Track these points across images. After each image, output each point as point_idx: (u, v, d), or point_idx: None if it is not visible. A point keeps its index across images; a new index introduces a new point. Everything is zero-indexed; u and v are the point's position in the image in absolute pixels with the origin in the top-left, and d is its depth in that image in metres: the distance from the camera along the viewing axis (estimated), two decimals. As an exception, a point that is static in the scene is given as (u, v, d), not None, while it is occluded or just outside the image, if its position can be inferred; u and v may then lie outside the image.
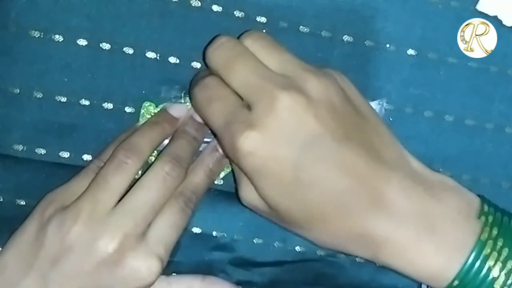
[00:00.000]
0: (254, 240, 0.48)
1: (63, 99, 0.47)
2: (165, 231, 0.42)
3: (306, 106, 0.39)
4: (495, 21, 0.47)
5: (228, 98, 0.41)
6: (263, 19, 0.47)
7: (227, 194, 0.47)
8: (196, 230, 0.48)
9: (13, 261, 0.41)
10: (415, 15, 0.47)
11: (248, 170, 0.40)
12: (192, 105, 0.44)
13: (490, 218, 0.40)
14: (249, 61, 0.41)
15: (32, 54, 0.46)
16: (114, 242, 0.40)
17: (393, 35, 0.47)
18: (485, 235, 0.39)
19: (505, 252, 0.39)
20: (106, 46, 0.46)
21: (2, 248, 0.42)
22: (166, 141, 0.45)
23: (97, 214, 0.41)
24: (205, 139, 0.46)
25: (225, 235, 0.48)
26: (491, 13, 0.46)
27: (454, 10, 0.47)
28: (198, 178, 0.44)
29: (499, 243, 0.39)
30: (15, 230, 0.43)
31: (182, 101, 0.46)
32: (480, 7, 0.46)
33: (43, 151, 0.47)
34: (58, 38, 0.46)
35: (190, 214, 0.44)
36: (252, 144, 0.39)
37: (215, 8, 0.47)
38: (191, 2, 0.47)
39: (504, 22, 0.46)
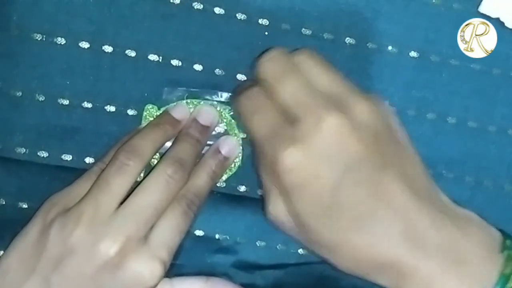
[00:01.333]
0: (257, 243, 0.48)
1: (66, 102, 0.47)
2: (167, 234, 0.42)
3: (351, 129, 0.39)
4: (497, 23, 0.47)
5: (273, 112, 0.42)
6: (265, 22, 0.47)
7: (230, 197, 0.47)
8: (199, 233, 0.47)
9: (16, 264, 0.41)
10: (417, 18, 0.47)
11: (287, 186, 0.40)
12: (234, 113, 0.45)
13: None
14: (300, 78, 0.41)
15: (34, 57, 0.46)
16: (116, 245, 0.40)
17: (395, 37, 0.47)
18: (508, 270, 0.39)
19: None
20: (108, 49, 0.46)
21: (4, 251, 0.42)
22: (168, 144, 0.45)
23: (99, 217, 0.41)
24: (208, 142, 0.46)
25: (228, 238, 0.48)
26: (493, 15, 0.46)
27: (456, 12, 0.47)
28: (201, 180, 0.44)
29: None
30: (18, 233, 0.42)
31: (185, 103, 0.46)
32: (482, 9, 0.46)
33: (45, 154, 0.47)
34: (61, 41, 0.46)
35: (193, 217, 0.43)
36: (295, 160, 0.39)
37: (217, 10, 0.47)
38: (193, 4, 0.47)
39: (506, 24, 0.46)
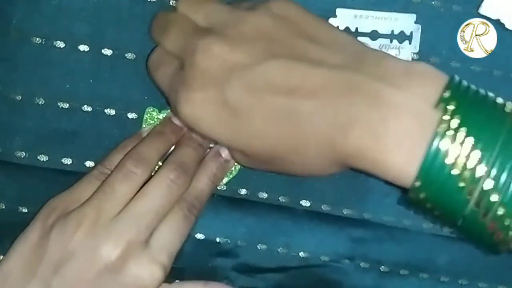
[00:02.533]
0: (257, 246, 0.48)
1: (65, 106, 0.46)
2: (168, 238, 0.42)
3: (221, 44, 0.39)
4: (497, 24, 0.47)
5: (170, 62, 0.42)
6: (265, 24, 0.47)
7: (231, 200, 0.47)
8: (200, 236, 0.47)
9: (16, 268, 0.41)
10: (417, 19, 0.47)
11: (196, 126, 0.41)
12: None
13: (452, 105, 0.35)
14: (177, 24, 0.43)
15: (34, 60, 0.46)
16: (117, 249, 0.40)
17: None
18: (443, 126, 0.34)
19: (463, 131, 0.34)
20: (107, 52, 0.46)
21: (4, 255, 0.42)
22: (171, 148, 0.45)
23: (100, 221, 0.41)
24: (210, 145, 0.46)
25: (229, 241, 0.47)
26: (493, 16, 0.46)
27: (456, 14, 0.47)
28: (201, 183, 0.44)
29: (461, 131, 0.34)
30: (17, 238, 0.42)
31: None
32: (482, 10, 0.46)
33: (45, 158, 0.47)
34: (60, 44, 0.46)
35: (194, 220, 0.43)
36: (188, 99, 0.40)
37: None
38: (193, 7, 0.46)
39: (507, 26, 0.46)
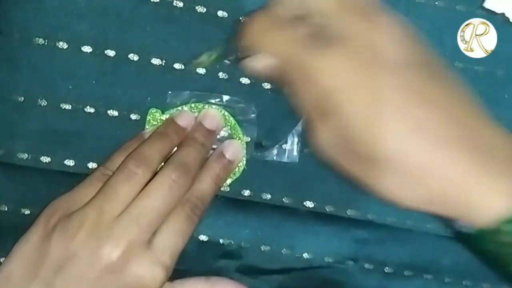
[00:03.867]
0: (261, 248, 0.47)
1: (68, 107, 0.46)
2: (171, 239, 0.42)
3: (401, 30, 0.38)
4: (498, 21, 0.47)
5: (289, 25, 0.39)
6: (268, 25, 0.47)
7: (234, 201, 0.47)
8: (203, 237, 0.47)
9: (18, 269, 0.41)
10: (421, 19, 0.47)
11: (334, 95, 0.36)
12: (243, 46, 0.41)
13: None
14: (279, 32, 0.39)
15: (36, 61, 0.46)
16: (119, 249, 0.40)
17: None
18: None
19: None
20: (110, 53, 0.46)
21: (6, 257, 0.42)
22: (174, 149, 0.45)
23: (102, 222, 0.40)
24: (213, 146, 0.45)
25: (232, 242, 0.47)
26: (498, 10, 0.46)
27: (460, 14, 0.47)
28: (205, 184, 0.44)
29: None
30: (20, 239, 0.42)
31: (189, 108, 0.46)
32: (487, 4, 0.46)
33: (47, 160, 0.46)
34: (63, 45, 0.46)
35: (197, 221, 0.43)
36: (336, 63, 0.36)
37: (220, 13, 0.46)
38: (196, 8, 0.46)
39: (511, 19, 0.46)
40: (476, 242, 0.37)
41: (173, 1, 0.46)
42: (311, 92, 0.37)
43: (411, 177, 0.36)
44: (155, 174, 0.43)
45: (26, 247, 0.41)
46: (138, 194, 0.42)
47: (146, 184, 0.42)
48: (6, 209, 0.47)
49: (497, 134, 0.37)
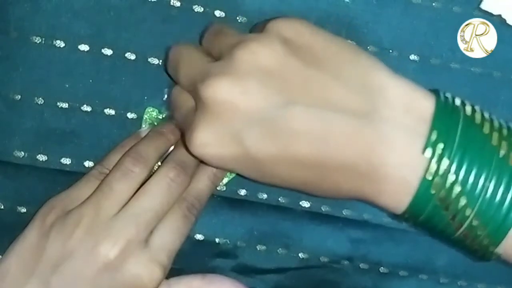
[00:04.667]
0: (257, 247, 0.48)
1: (65, 105, 0.46)
2: (168, 237, 0.42)
3: (230, 87, 0.38)
4: (497, 22, 0.47)
5: (187, 101, 0.42)
6: (265, 24, 0.47)
7: (230, 201, 0.47)
8: (199, 237, 0.47)
9: (15, 267, 0.41)
10: (417, 21, 0.47)
11: (209, 162, 0.40)
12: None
13: (439, 150, 0.37)
14: (191, 59, 0.42)
15: (33, 59, 0.46)
16: (116, 248, 0.40)
17: (395, 40, 0.47)
18: (430, 173, 0.37)
19: (445, 163, 0.36)
20: (108, 51, 0.46)
21: (3, 255, 0.42)
22: (170, 148, 0.45)
23: (99, 220, 0.40)
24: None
25: (228, 241, 0.47)
26: (495, 11, 0.46)
27: (457, 15, 0.47)
28: (201, 183, 0.44)
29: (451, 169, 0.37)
30: (16, 237, 0.42)
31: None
32: (484, 5, 0.46)
33: (44, 158, 0.46)
34: (60, 43, 0.46)
35: (194, 220, 0.43)
36: (201, 144, 0.39)
37: (218, 13, 0.46)
38: (194, 7, 0.46)
39: (508, 21, 0.46)
40: (408, 222, 0.40)
41: (170, 1, 0.46)
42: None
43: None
44: (151, 173, 0.43)
45: (23, 245, 0.41)
46: (135, 192, 0.42)
47: (144, 183, 0.42)
48: (2, 207, 0.47)
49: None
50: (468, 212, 0.37)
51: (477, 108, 0.39)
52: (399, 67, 0.47)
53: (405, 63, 0.47)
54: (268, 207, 0.47)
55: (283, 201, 0.47)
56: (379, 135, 0.37)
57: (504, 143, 0.37)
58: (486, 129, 0.37)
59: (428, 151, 0.37)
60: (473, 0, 0.47)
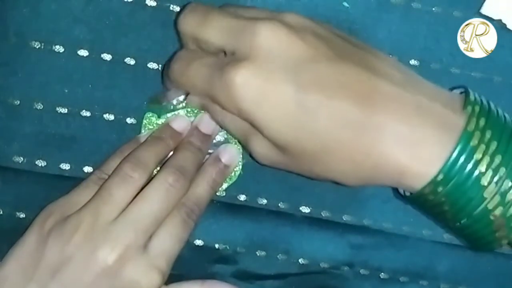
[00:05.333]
0: (257, 253, 0.47)
1: (64, 111, 0.46)
2: (166, 243, 0.42)
3: (289, 32, 0.38)
4: (498, 26, 0.46)
5: (207, 57, 0.41)
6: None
7: (230, 206, 0.47)
8: (198, 242, 0.47)
9: (13, 272, 0.40)
10: (417, 25, 0.47)
11: (248, 108, 0.39)
12: (169, 80, 0.43)
13: (477, 108, 0.39)
14: (220, 13, 0.41)
15: (32, 65, 0.46)
16: (114, 253, 0.40)
17: (395, 45, 0.47)
18: (471, 126, 0.38)
19: (493, 145, 0.38)
20: (107, 57, 0.46)
21: (2, 260, 0.42)
22: (170, 153, 0.45)
23: (98, 225, 0.40)
24: (208, 150, 0.45)
25: (228, 247, 0.47)
26: (495, 16, 0.46)
27: (457, 20, 0.47)
28: (201, 189, 0.44)
29: (487, 135, 0.38)
30: (15, 243, 0.42)
31: (185, 113, 0.46)
32: (484, 10, 0.46)
33: (43, 163, 0.46)
34: (59, 48, 0.46)
35: (193, 226, 0.43)
36: (245, 77, 0.38)
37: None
38: (193, 12, 0.46)
39: (508, 26, 0.46)
40: (418, 202, 0.41)
41: (170, 6, 0.46)
42: (229, 116, 0.41)
43: (347, 161, 0.39)
44: (150, 178, 0.43)
45: (22, 251, 0.41)
46: (134, 197, 0.42)
47: (142, 188, 0.42)
48: (1, 212, 0.46)
49: (420, 101, 0.39)
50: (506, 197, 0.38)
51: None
52: (399, 72, 0.47)
53: (405, 68, 0.47)
54: (268, 212, 0.47)
55: (283, 207, 0.47)
56: (419, 104, 0.39)
57: None
58: None
59: (467, 110, 0.39)
60: (473, 4, 0.47)
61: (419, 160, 0.38)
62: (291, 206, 0.47)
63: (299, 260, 0.48)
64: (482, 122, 0.38)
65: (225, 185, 0.46)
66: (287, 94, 0.38)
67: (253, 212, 0.47)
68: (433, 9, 0.47)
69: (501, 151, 0.38)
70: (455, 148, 0.38)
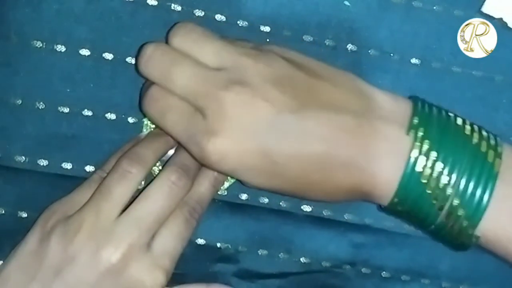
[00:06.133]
0: (258, 252, 0.47)
1: (66, 110, 0.46)
2: (170, 242, 0.42)
3: (252, 95, 0.40)
4: (498, 25, 0.47)
5: (179, 107, 0.41)
6: (267, 28, 0.47)
7: (232, 205, 0.47)
8: (200, 241, 0.47)
9: (16, 272, 0.41)
10: (419, 24, 0.47)
11: (227, 172, 0.41)
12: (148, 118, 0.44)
13: (420, 132, 0.41)
14: (184, 66, 0.41)
15: (34, 64, 0.46)
16: (118, 252, 0.40)
17: (396, 44, 0.47)
18: (415, 152, 0.40)
19: (426, 144, 0.40)
20: (109, 56, 0.46)
21: (4, 260, 0.42)
22: (171, 152, 0.45)
23: (100, 224, 0.40)
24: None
25: (230, 246, 0.47)
26: (496, 15, 0.46)
27: (458, 19, 0.47)
28: (203, 187, 0.44)
29: (425, 145, 0.40)
30: (17, 243, 0.42)
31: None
32: (485, 9, 0.46)
33: (45, 163, 0.46)
34: (61, 48, 0.46)
35: (195, 224, 0.43)
36: (220, 151, 0.40)
37: (218, 17, 0.47)
38: (194, 12, 0.46)
39: (509, 24, 0.46)
40: (394, 212, 0.43)
41: (171, 5, 0.46)
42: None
43: (321, 194, 0.42)
44: (151, 176, 0.43)
45: (24, 250, 0.41)
46: (135, 193, 0.42)
47: (144, 187, 0.42)
48: (3, 212, 0.46)
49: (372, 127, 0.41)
50: (449, 191, 0.40)
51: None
52: (400, 70, 0.47)
53: (406, 67, 0.47)
54: (270, 211, 0.47)
55: (285, 206, 0.47)
56: (374, 129, 0.41)
57: (475, 134, 0.42)
58: (462, 125, 0.42)
59: (411, 133, 0.41)
60: (474, 3, 0.47)
61: (380, 185, 0.41)
62: (293, 205, 0.47)
63: (301, 259, 0.48)
64: (425, 146, 0.40)
65: (226, 184, 0.47)
66: (260, 156, 0.40)
67: (254, 211, 0.47)
68: (434, 8, 0.47)
69: (430, 138, 0.40)
70: (405, 169, 0.40)
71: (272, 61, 0.41)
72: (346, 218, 0.47)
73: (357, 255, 0.48)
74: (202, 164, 0.42)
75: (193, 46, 0.42)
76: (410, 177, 0.40)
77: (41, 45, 0.46)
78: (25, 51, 0.46)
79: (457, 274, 0.48)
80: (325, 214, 0.47)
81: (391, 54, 0.47)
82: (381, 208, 0.43)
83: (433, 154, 0.40)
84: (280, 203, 0.47)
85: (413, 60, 0.47)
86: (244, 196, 0.47)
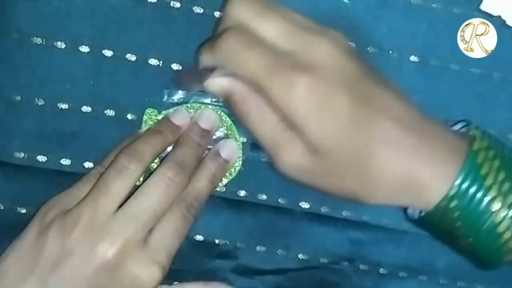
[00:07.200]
0: (257, 248, 0.48)
1: (65, 106, 0.46)
2: (166, 237, 0.42)
3: (345, 51, 0.40)
4: (497, 23, 0.47)
5: (266, 48, 0.40)
6: (265, 25, 0.47)
7: (230, 202, 0.47)
8: (199, 237, 0.47)
9: (13, 266, 0.41)
10: (417, 22, 0.47)
11: (302, 114, 0.39)
12: (211, 55, 0.42)
13: (484, 142, 0.41)
14: (279, 11, 0.41)
15: (34, 61, 0.46)
16: (114, 247, 0.40)
17: (395, 41, 0.47)
18: (476, 147, 0.40)
19: (501, 174, 0.40)
20: (108, 53, 0.46)
21: (2, 254, 0.42)
22: (169, 148, 0.45)
23: (97, 219, 0.41)
24: (208, 146, 0.45)
25: (228, 242, 0.47)
26: (495, 12, 0.46)
27: (456, 16, 0.47)
28: (200, 184, 0.44)
29: (496, 163, 0.40)
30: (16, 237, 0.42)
31: (185, 108, 0.46)
32: (484, 6, 0.46)
33: (44, 159, 0.47)
34: (60, 45, 0.46)
35: (192, 220, 0.43)
36: (307, 87, 0.39)
37: (218, 14, 0.47)
38: (194, 8, 0.46)
39: (508, 22, 0.46)
40: (430, 223, 0.42)
41: (170, 2, 0.46)
42: (269, 121, 0.41)
43: (377, 177, 0.40)
44: (149, 172, 0.43)
45: (22, 245, 0.41)
46: (132, 189, 0.42)
47: (142, 183, 0.42)
48: (2, 207, 0.47)
49: (438, 128, 0.42)
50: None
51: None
52: (399, 68, 0.47)
53: (405, 64, 0.47)
54: (268, 208, 0.47)
55: (283, 202, 0.47)
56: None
57: None
58: None
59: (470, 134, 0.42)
60: (473, 1, 0.47)
61: (438, 177, 0.40)
62: (291, 202, 0.47)
63: (299, 255, 0.48)
64: (485, 143, 0.41)
65: (225, 181, 0.47)
66: (342, 107, 0.39)
67: (253, 207, 0.47)
68: (433, 5, 0.47)
69: (508, 179, 0.40)
70: (462, 168, 0.39)
71: (335, 45, 0.41)
72: (344, 214, 0.48)
73: (355, 252, 0.48)
74: (273, 97, 0.40)
75: (259, 19, 0.41)
76: (467, 179, 0.40)
77: (41, 41, 0.46)
78: (25, 48, 0.46)
79: (455, 271, 0.48)
80: (323, 210, 0.47)
81: (390, 52, 0.47)
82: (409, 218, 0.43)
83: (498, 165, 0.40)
84: (279, 200, 0.47)
85: (412, 58, 0.47)
86: (242, 193, 0.47)
